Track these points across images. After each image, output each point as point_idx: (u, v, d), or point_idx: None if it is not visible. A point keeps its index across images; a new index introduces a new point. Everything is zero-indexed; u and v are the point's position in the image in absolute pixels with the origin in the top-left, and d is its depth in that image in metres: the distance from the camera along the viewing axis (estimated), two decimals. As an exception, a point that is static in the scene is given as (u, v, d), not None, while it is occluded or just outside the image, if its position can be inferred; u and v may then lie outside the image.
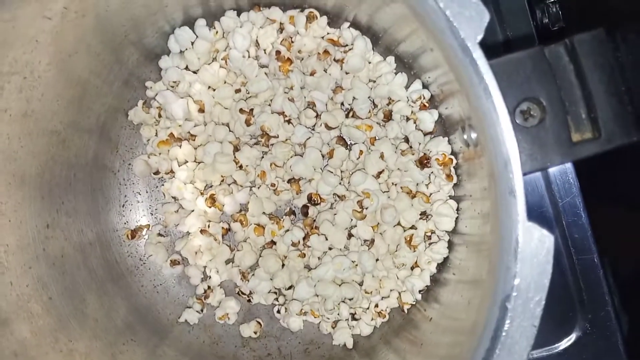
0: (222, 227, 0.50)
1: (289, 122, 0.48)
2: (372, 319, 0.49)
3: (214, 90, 0.49)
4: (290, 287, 0.50)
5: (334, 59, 0.47)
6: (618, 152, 0.31)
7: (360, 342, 0.49)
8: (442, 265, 0.46)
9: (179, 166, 0.50)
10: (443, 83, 0.41)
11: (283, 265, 0.49)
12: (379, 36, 0.46)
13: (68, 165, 0.46)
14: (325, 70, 0.48)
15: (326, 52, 0.47)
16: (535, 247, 0.25)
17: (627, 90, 0.29)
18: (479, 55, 0.25)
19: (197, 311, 0.51)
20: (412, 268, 0.47)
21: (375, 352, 0.47)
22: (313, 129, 0.49)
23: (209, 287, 0.51)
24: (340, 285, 0.48)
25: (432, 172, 0.45)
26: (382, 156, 0.46)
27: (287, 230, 0.49)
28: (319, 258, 0.49)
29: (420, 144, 0.46)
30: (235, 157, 0.48)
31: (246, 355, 0.50)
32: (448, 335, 0.39)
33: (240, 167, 0.49)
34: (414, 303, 0.48)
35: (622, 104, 0.29)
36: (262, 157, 0.49)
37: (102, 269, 0.48)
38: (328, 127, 0.48)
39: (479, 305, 0.30)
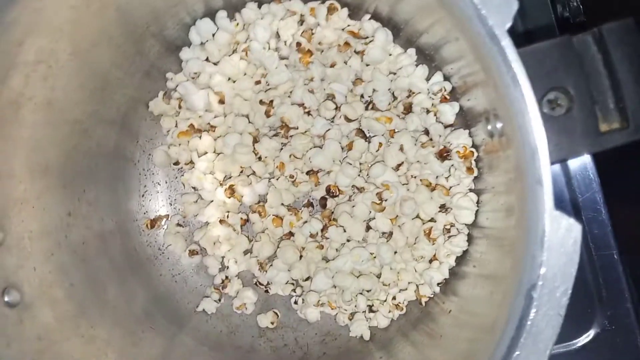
0: (241, 218, 0.51)
1: (308, 113, 0.48)
2: (389, 311, 0.49)
3: (234, 82, 0.49)
4: (307, 279, 0.50)
5: (355, 51, 0.47)
6: (639, 146, 0.30)
7: (377, 334, 0.49)
8: (462, 259, 0.46)
9: (199, 157, 0.50)
10: (466, 74, 0.41)
11: (301, 256, 0.50)
12: (400, 28, 0.46)
13: (90, 155, 0.46)
14: (345, 62, 0.48)
15: (347, 44, 0.47)
16: (562, 236, 0.25)
17: (656, 81, 0.28)
18: (507, 43, 0.25)
19: (214, 301, 0.51)
20: (430, 261, 0.47)
21: (392, 344, 0.47)
22: (332, 121, 0.49)
23: (226, 277, 0.52)
24: (358, 277, 0.48)
25: (452, 165, 0.45)
26: (401, 148, 0.46)
27: (305, 222, 0.49)
28: (336, 250, 0.49)
29: (440, 136, 0.46)
30: (254, 148, 0.48)
31: (263, 346, 0.51)
32: (468, 330, 0.39)
33: (260, 158, 0.49)
34: (432, 296, 0.47)
35: (651, 94, 0.28)
36: (282, 148, 0.49)
37: (122, 257, 0.49)
38: (347, 119, 0.48)
39: (502, 300, 0.30)
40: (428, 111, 0.47)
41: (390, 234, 0.48)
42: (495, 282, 0.35)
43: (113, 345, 0.42)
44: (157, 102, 0.50)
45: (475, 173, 0.44)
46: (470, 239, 0.45)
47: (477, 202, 0.44)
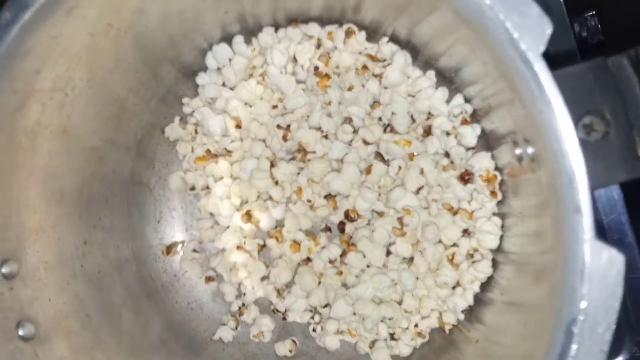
0: (258, 244, 0.50)
1: (326, 137, 0.47)
2: (411, 339, 0.47)
3: (251, 106, 0.49)
4: (326, 305, 0.49)
5: (373, 74, 0.47)
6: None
7: (399, 363, 0.48)
8: (487, 285, 0.45)
9: (215, 182, 0.49)
10: (489, 96, 0.40)
11: (319, 282, 0.48)
12: (419, 50, 0.45)
13: (106, 182, 0.46)
14: (363, 85, 0.47)
15: (365, 67, 0.46)
16: (604, 267, 0.24)
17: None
18: (541, 67, 0.24)
19: (231, 328, 0.50)
20: (453, 287, 0.46)
21: (415, 373, 0.46)
22: (350, 145, 0.48)
23: (243, 304, 0.50)
24: (379, 304, 0.47)
25: (474, 189, 0.44)
26: (421, 172, 0.45)
27: (324, 247, 0.48)
28: (356, 276, 0.48)
29: (462, 159, 0.45)
30: (271, 173, 0.48)
31: (281, 374, 0.49)
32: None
33: (277, 183, 0.48)
34: (456, 324, 0.46)
35: (689, 118, 0.27)
36: (299, 172, 0.48)
37: (138, 285, 0.48)
38: (365, 143, 0.47)
39: (537, 332, 0.29)
40: (448, 134, 0.46)
41: (411, 259, 0.47)
42: (526, 311, 0.34)
43: (129, 376, 0.41)
44: (173, 128, 0.50)
45: (499, 197, 0.43)
46: (495, 264, 0.44)
47: (501, 227, 0.43)
